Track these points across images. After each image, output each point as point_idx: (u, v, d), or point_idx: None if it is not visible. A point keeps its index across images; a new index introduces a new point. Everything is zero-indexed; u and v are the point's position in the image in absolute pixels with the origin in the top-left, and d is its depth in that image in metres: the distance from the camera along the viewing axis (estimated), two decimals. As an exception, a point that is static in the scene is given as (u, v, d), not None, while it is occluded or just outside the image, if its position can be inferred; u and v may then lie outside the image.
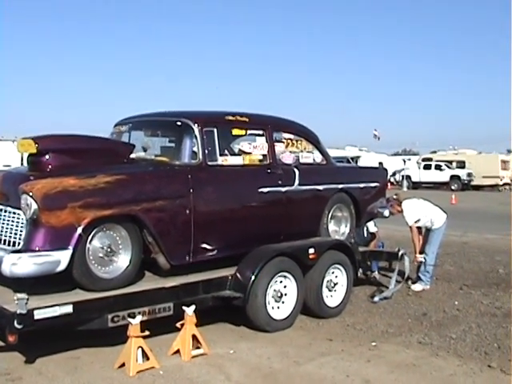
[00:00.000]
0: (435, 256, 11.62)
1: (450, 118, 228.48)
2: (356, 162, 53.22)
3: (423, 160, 58.81)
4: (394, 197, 11.85)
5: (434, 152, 67.35)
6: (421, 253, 11.51)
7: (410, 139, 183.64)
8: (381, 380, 6.75)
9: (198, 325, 7.50)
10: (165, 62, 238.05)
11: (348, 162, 50.49)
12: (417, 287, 11.27)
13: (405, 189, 53.58)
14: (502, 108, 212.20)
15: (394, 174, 58.57)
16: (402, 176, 56.51)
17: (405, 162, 59.97)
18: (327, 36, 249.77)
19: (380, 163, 58.05)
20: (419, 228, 11.70)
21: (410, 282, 11.53)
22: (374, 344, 8.06)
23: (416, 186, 55.54)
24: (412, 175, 56.78)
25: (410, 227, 11.55)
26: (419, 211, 11.59)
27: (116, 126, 9.41)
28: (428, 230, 11.71)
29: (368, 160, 55.22)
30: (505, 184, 56.50)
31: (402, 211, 11.66)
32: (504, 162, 56.74)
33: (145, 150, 8.94)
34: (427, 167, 56.27)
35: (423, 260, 11.51)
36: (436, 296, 11.04)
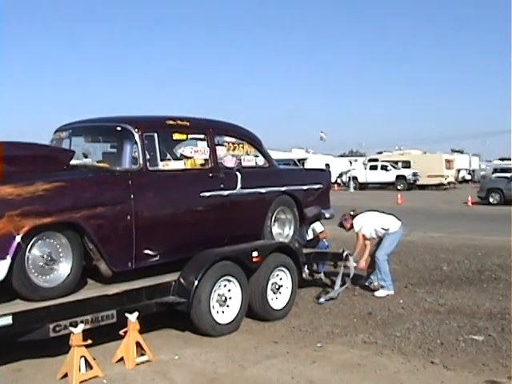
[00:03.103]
0: (386, 261, 11.52)
1: (396, 118, 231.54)
2: (303, 165, 53.49)
3: (369, 161, 59.36)
4: (352, 213, 11.87)
5: (381, 153, 68.02)
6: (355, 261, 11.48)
7: (357, 140, 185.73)
8: (325, 380, 6.77)
9: (142, 331, 7.45)
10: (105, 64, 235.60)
11: (295, 164, 50.71)
12: (380, 293, 11.20)
13: (351, 190, 54.11)
14: (447, 108, 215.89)
15: (340, 176, 59.03)
16: (349, 177, 56.94)
17: (351, 163, 60.55)
18: (272, 35, 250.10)
19: (327, 165, 58.63)
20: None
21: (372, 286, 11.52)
22: (319, 345, 8.08)
23: (363, 186, 56.08)
24: (358, 176, 57.21)
25: (357, 233, 11.60)
26: (370, 224, 11.60)
27: (56, 132, 9.26)
28: (381, 238, 11.71)
29: (315, 162, 55.57)
30: (449, 183, 57.30)
31: (353, 227, 11.68)
32: (448, 161, 57.61)
33: (85, 156, 8.85)
34: (373, 168, 56.77)
35: (352, 268, 11.30)
36: (382, 295, 11.13)
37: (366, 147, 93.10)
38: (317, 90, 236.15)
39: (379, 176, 55.98)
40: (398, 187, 52.92)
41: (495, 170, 61.14)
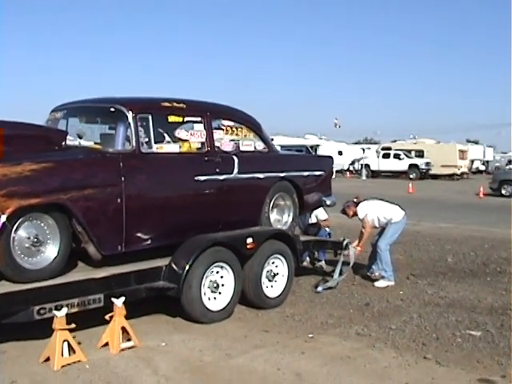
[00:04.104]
0: (388, 251, 11.30)
1: (412, 107, 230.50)
2: (315, 151, 53.25)
3: (382, 149, 58.93)
4: (355, 200, 11.66)
5: (395, 141, 67.64)
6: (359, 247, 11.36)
7: (372, 128, 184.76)
8: (312, 373, 6.57)
9: (132, 316, 7.37)
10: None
11: (307, 150, 50.50)
12: (381, 284, 10.98)
13: (364, 177, 53.82)
14: (462, 99, 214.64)
15: (352, 163, 58.79)
16: (361, 165, 56.65)
17: (364, 150, 60.19)
18: (287, 22, 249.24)
19: (339, 152, 58.41)
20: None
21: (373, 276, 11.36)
22: (310, 336, 7.89)
23: (375, 174, 55.73)
24: (371, 164, 56.90)
25: (363, 219, 11.38)
26: (373, 212, 11.37)
27: (52, 112, 9.11)
28: (383, 228, 11.46)
29: (327, 149, 55.21)
30: (462, 173, 56.84)
31: (356, 214, 11.50)
32: (462, 151, 57.04)
33: (80, 137, 8.67)
34: (386, 156, 56.39)
35: (352, 257, 11.15)
36: (382, 285, 10.93)
37: (381, 135, 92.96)
38: (333, 76, 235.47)
39: (392, 164, 55.60)
40: (411, 176, 52.49)
41: (509, 162, 60.69)
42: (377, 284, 10.97)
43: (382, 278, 11.08)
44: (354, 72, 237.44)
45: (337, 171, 50.30)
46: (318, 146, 58.42)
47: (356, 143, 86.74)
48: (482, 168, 69.06)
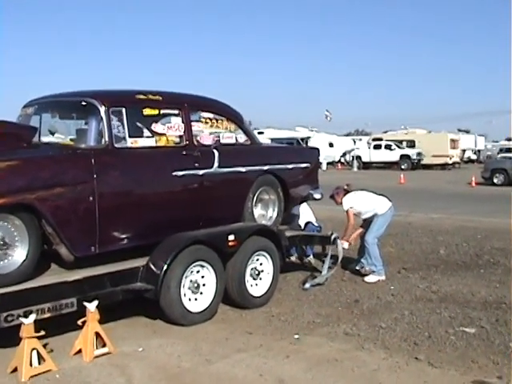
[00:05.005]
0: (376, 244, 10.96)
1: (403, 98, 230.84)
2: (306, 143, 52.92)
3: (373, 140, 58.72)
4: (345, 187, 11.30)
5: (386, 132, 67.41)
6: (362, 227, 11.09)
7: (363, 120, 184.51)
8: (296, 379, 6.16)
9: (109, 319, 7.10)
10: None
11: (298, 143, 50.28)
12: (371, 279, 10.60)
13: (355, 169, 53.64)
14: (452, 88, 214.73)
15: (344, 155, 58.53)
16: (352, 156, 56.41)
17: (355, 142, 60.00)
18: (277, 17, 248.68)
19: (330, 144, 58.17)
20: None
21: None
22: (296, 337, 7.49)
23: (366, 166, 55.50)
24: (362, 155, 56.71)
25: (347, 212, 11.02)
26: (359, 204, 11.03)
27: (23, 108, 8.70)
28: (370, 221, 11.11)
29: (318, 141, 54.90)
30: (454, 163, 56.58)
31: (341, 203, 11.12)
32: (453, 140, 56.79)
33: (52, 133, 8.30)
34: (377, 147, 56.21)
35: (346, 247, 10.94)
36: (372, 280, 10.55)
37: (372, 126, 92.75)
38: (323, 69, 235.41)
39: (383, 155, 55.42)
40: (402, 167, 52.26)
41: (501, 150, 60.45)
42: (367, 279, 10.59)
43: (372, 272, 10.72)
44: (344, 64, 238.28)
45: (328, 163, 50.15)
46: (308, 138, 58.05)
47: (347, 135, 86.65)
48: (474, 157, 68.98)
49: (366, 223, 11.12)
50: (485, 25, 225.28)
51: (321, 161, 46.49)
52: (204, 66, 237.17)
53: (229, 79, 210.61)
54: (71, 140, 7.98)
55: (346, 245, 10.92)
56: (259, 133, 60.03)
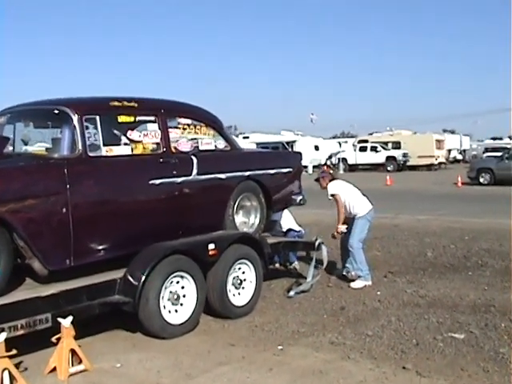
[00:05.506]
0: (361, 249, 10.73)
1: (388, 100, 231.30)
2: (292, 147, 52.88)
3: (359, 142, 58.72)
4: (331, 172, 11.11)
5: (371, 134, 67.40)
6: (344, 223, 10.74)
7: (349, 122, 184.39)
8: (279, 393, 5.95)
9: (87, 333, 6.94)
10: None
11: (283, 147, 50.24)
12: (357, 284, 10.38)
13: (341, 171, 53.37)
14: (437, 89, 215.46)
15: (330, 157, 58.40)
16: (338, 159, 56.31)
17: (340, 144, 59.95)
18: (260, 19, 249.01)
19: (316, 147, 58.12)
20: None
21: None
22: (280, 348, 7.25)
23: (352, 168, 55.42)
24: (348, 158, 56.71)
25: (334, 196, 10.79)
26: (343, 193, 10.79)
27: (-3, 117, 8.45)
28: (352, 220, 10.86)
29: (304, 144, 54.83)
30: (440, 163, 56.61)
31: (326, 187, 10.91)
32: (439, 141, 56.93)
33: (25, 142, 8.06)
34: (363, 149, 56.23)
35: (345, 230, 10.73)
36: (358, 286, 10.32)
37: (358, 129, 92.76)
38: (307, 72, 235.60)
39: (369, 157, 55.43)
40: (388, 168, 52.27)
41: (486, 150, 60.54)
42: (353, 285, 10.36)
43: (359, 277, 10.49)
44: (329, 66, 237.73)
45: (314, 166, 49.97)
46: (294, 141, 57.93)
47: (333, 137, 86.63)
48: (460, 157, 69.04)
49: (348, 221, 10.91)
50: (470, 25, 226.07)
51: (307, 164, 46.59)
52: (186, 71, 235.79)
53: (213, 84, 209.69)
54: (47, 149, 7.74)
55: (343, 228, 10.72)
56: (244, 137, 60.06)
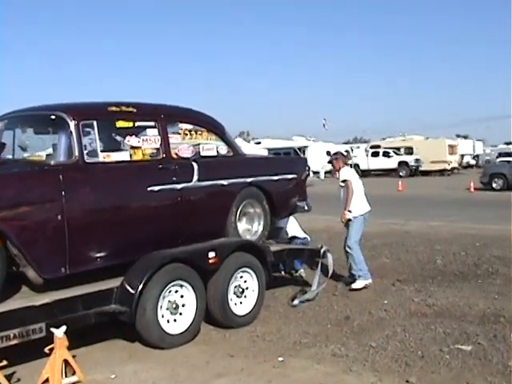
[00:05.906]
0: (359, 249, 10.66)
1: (401, 105, 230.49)
2: (303, 153, 52.63)
3: (371, 147, 58.38)
4: (345, 153, 11.08)
5: (384, 139, 67.08)
6: (350, 211, 10.69)
7: (361, 127, 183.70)
8: (277, 407, 5.75)
9: (85, 343, 6.84)
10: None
11: (295, 152, 50.01)
12: (358, 284, 10.34)
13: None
14: (450, 94, 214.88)
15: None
16: (350, 164, 55.96)
17: (352, 150, 59.59)
18: (271, 24, 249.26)
19: (328, 152, 57.78)
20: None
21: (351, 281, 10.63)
22: (280, 359, 7.05)
23: (365, 173, 54.90)
24: (360, 163, 56.24)
25: (346, 182, 10.75)
26: (353, 181, 10.81)
27: (-5, 123, 8.32)
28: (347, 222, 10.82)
29: (315, 150, 54.61)
30: (453, 168, 56.24)
31: (339, 170, 10.96)
32: (451, 146, 56.52)
33: (23, 148, 7.92)
34: (375, 154, 55.95)
35: (351, 218, 10.64)
36: (365, 294, 10.13)
37: (371, 134, 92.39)
38: (320, 77, 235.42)
39: (381, 163, 55.16)
40: (401, 174, 52.01)
41: (500, 155, 60.07)
42: (354, 285, 10.38)
43: (359, 277, 10.47)
44: (341, 72, 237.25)
45: (326, 172, 49.70)
46: (306, 147, 57.68)
47: (345, 143, 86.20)
48: (473, 162, 68.64)
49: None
50: (482, 29, 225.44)
51: (318, 170, 46.28)
52: (198, 76, 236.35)
53: (225, 90, 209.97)
54: (47, 156, 7.59)
55: (351, 215, 10.67)
56: (257, 143, 59.86)
